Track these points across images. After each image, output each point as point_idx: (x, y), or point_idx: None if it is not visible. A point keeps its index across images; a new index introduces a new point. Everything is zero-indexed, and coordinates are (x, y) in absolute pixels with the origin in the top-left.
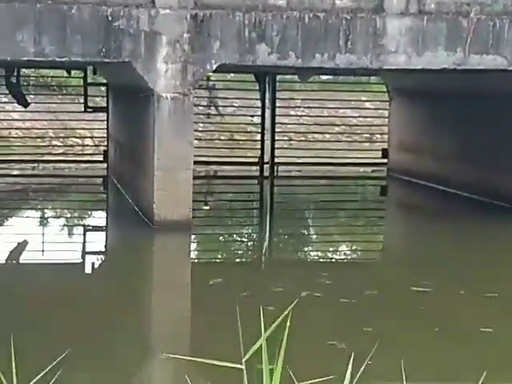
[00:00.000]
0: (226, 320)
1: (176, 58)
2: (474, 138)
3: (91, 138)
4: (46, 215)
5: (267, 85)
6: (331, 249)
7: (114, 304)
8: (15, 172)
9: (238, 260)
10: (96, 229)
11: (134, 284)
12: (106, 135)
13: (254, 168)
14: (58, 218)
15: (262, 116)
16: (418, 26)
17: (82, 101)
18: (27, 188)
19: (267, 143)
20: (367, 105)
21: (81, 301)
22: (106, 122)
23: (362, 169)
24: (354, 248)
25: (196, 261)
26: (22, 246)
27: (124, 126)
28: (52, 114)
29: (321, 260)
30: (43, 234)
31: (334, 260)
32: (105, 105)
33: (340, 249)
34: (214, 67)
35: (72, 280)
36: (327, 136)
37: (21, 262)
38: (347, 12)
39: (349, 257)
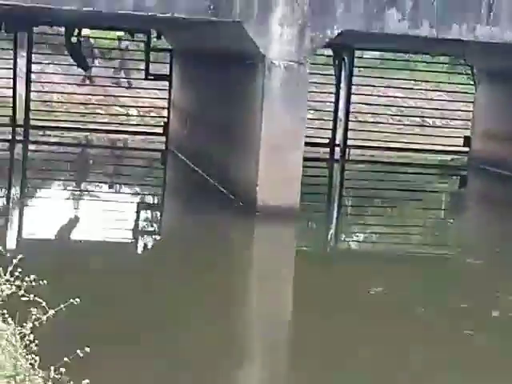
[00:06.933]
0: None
1: (293, 21)
2: None
3: (136, 107)
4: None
5: (343, 61)
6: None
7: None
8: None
9: (386, 257)
10: (184, 212)
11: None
12: (167, 106)
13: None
14: (126, 197)
15: (337, 94)
16: None
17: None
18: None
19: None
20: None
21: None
22: (167, 92)
23: (439, 157)
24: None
25: (331, 259)
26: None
27: (201, 95)
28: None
29: (470, 264)
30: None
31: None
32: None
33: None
34: (336, 33)
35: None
36: (379, 118)
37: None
38: None
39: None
